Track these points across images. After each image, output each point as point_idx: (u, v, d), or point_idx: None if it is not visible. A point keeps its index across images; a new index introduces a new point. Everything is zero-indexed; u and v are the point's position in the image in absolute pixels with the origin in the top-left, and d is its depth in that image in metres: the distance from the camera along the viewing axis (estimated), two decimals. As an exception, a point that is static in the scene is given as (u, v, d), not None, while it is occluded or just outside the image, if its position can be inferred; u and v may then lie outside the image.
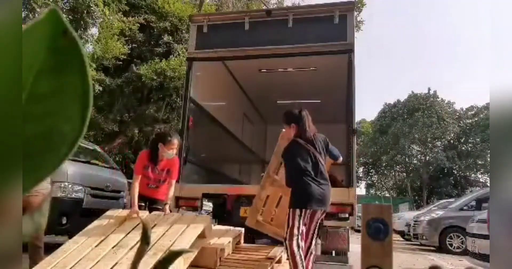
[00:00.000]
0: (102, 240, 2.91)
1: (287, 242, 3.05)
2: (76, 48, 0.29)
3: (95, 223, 3.23)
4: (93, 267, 2.54)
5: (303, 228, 3.11)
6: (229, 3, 17.09)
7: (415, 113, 29.58)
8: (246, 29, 4.87)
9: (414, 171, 31.99)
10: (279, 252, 3.35)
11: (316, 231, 3.29)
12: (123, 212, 3.49)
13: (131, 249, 2.77)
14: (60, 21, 0.28)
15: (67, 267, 2.53)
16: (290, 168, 3.28)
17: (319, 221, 3.28)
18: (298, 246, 3.01)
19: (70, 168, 5.05)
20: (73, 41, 0.29)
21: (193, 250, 2.88)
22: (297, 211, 3.07)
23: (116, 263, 2.57)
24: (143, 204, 3.78)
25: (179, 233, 3.02)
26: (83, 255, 2.69)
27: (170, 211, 3.70)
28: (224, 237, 3.42)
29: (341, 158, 3.60)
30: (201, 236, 3.14)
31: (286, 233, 3.08)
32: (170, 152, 3.75)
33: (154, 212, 3.53)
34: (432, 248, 10.11)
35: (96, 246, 2.83)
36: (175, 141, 3.78)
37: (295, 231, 3.03)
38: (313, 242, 3.29)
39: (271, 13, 4.99)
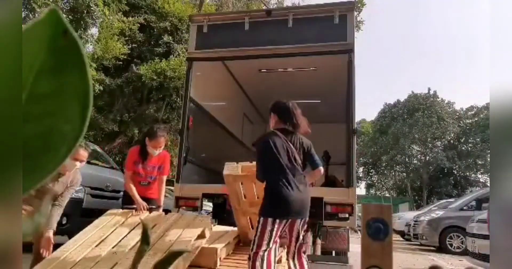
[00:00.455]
0: (102, 240, 2.92)
1: (251, 253, 2.60)
2: (76, 48, 0.29)
3: (95, 223, 3.23)
4: (93, 267, 2.54)
5: (277, 240, 2.67)
6: (229, 3, 17.10)
7: (415, 113, 29.60)
8: (246, 29, 4.87)
9: (414, 171, 32.00)
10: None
11: (300, 240, 2.81)
12: (123, 212, 3.49)
13: (131, 249, 2.77)
14: (60, 21, 0.28)
15: (67, 267, 2.53)
16: (265, 164, 2.79)
17: (302, 229, 2.79)
18: (262, 260, 2.58)
19: (70, 168, 5.04)
20: (73, 41, 0.29)
21: (193, 250, 2.88)
22: (269, 220, 2.61)
23: (116, 263, 2.57)
24: (135, 205, 3.77)
25: (179, 233, 3.02)
26: (83, 255, 2.69)
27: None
28: (224, 237, 3.42)
29: (321, 169, 2.93)
30: (201, 236, 3.13)
31: (253, 243, 2.63)
32: (155, 150, 3.67)
33: (154, 212, 3.53)
34: (432, 248, 10.11)
35: (96, 246, 2.84)
36: (161, 140, 3.67)
37: (264, 243, 2.60)
38: (302, 251, 2.84)
39: (271, 13, 4.99)
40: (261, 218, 2.65)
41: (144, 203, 3.55)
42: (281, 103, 2.99)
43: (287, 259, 2.83)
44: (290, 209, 2.66)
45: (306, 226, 2.84)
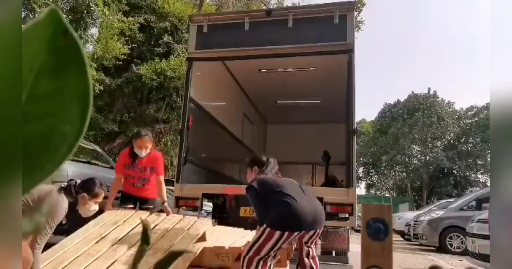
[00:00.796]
0: (102, 237, 2.92)
1: (245, 257, 2.49)
2: (76, 48, 0.29)
3: (96, 220, 3.23)
4: (92, 263, 2.54)
5: (277, 252, 2.57)
6: (229, 3, 17.11)
7: (415, 113, 29.62)
8: (246, 29, 4.87)
9: (414, 171, 32.00)
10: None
11: (312, 248, 2.80)
12: (122, 212, 3.49)
13: (130, 247, 2.77)
14: (60, 21, 0.28)
15: (65, 261, 2.53)
16: (269, 196, 2.65)
17: (314, 238, 2.73)
18: (259, 262, 2.49)
19: (70, 168, 5.04)
20: (73, 41, 0.29)
21: (193, 251, 2.88)
22: (277, 233, 2.46)
23: (115, 260, 2.58)
24: (132, 205, 3.78)
25: (179, 234, 3.02)
26: (83, 251, 2.69)
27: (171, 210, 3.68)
28: (224, 237, 3.42)
29: None
30: (201, 238, 3.13)
31: (250, 248, 2.51)
32: (140, 150, 3.67)
33: (154, 213, 3.53)
34: (432, 248, 10.11)
35: (96, 243, 2.84)
36: (145, 139, 3.66)
37: (263, 253, 2.47)
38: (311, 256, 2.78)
39: (271, 13, 4.99)
40: (268, 229, 2.48)
41: (109, 210, 3.56)
42: (264, 160, 2.99)
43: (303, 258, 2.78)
44: (302, 221, 2.53)
45: (319, 234, 2.76)
